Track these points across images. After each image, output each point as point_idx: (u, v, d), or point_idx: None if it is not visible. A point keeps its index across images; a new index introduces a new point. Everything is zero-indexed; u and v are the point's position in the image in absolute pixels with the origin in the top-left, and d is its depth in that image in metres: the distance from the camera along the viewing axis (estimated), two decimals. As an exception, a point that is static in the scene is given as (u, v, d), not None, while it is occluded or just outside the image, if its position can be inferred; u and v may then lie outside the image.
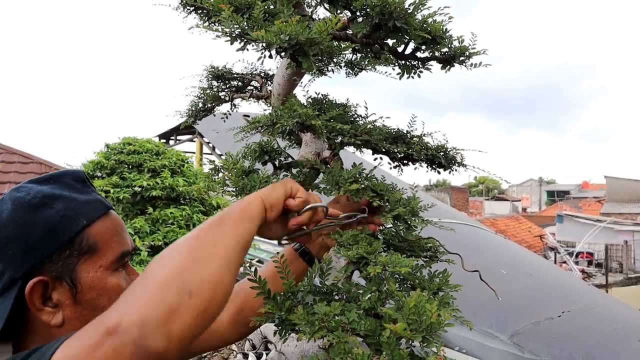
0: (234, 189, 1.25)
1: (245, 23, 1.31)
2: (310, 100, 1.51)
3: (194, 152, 11.66)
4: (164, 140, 12.43)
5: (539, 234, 21.27)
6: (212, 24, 1.49)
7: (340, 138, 1.37)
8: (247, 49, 1.45)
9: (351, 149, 1.61)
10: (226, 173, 1.27)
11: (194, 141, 12.25)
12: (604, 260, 17.68)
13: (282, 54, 1.29)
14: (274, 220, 0.97)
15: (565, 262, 17.24)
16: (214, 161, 1.25)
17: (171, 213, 3.81)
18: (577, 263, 17.91)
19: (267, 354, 2.02)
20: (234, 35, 1.33)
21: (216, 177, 1.34)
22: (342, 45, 1.39)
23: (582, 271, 16.48)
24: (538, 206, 46.24)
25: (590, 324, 3.24)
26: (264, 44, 1.27)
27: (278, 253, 1.19)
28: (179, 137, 13.00)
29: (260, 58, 1.29)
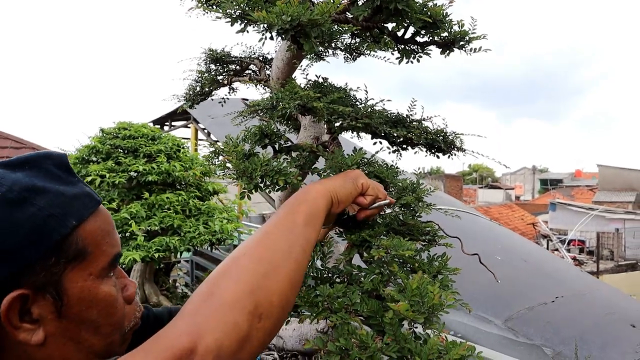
0: (235, 172, 1.24)
1: (245, 4, 1.30)
2: (310, 83, 1.50)
3: (188, 138, 11.61)
4: (159, 126, 12.36)
5: (532, 221, 21.43)
6: (212, 6, 1.47)
7: (340, 121, 1.37)
8: (247, 31, 1.43)
9: (348, 134, 1.60)
10: (227, 156, 1.26)
11: (189, 127, 12.18)
12: (595, 247, 17.85)
13: (283, 35, 1.28)
14: (337, 212, 0.99)
15: (557, 249, 17.40)
16: (215, 143, 1.24)
17: (167, 198, 3.80)
18: (569, 251, 18.09)
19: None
20: (235, 16, 1.32)
21: (216, 160, 1.33)
22: (344, 28, 1.37)
23: (574, 258, 16.65)
24: (531, 194, 46.50)
25: (582, 309, 3.28)
26: (265, 25, 1.26)
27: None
28: (173, 123, 12.93)
29: (261, 39, 1.28)
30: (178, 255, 4.21)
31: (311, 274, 1.14)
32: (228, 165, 1.27)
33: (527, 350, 2.39)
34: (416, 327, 1.00)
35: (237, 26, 1.39)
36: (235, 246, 7.19)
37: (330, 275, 1.19)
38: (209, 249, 4.17)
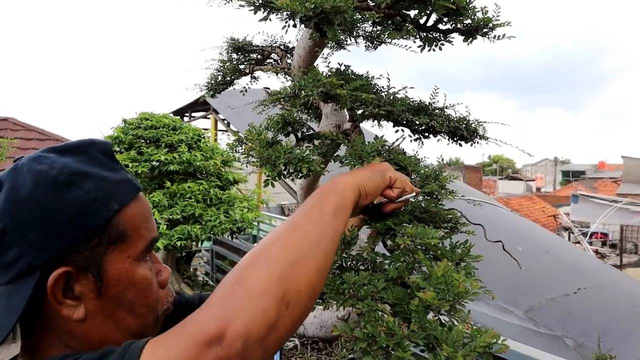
0: (258, 159, 1.25)
1: (268, -9, 1.30)
2: (333, 71, 1.50)
3: (207, 129, 11.68)
4: (178, 117, 12.46)
5: (553, 213, 21.14)
6: (235, -6, 1.47)
7: (363, 109, 1.36)
8: (270, 19, 1.43)
9: (369, 123, 1.60)
10: (250, 144, 1.26)
11: (209, 118, 12.25)
12: (618, 241, 17.57)
13: (306, 23, 1.28)
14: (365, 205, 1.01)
15: (579, 242, 17.16)
16: (238, 132, 1.25)
17: (189, 187, 3.84)
18: (590, 243, 17.83)
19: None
20: (257, 4, 1.32)
21: (240, 148, 1.34)
22: (366, 15, 1.36)
23: (596, 251, 16.42)
24: (552, 186, 45.88)
25: (605, 302, 3.23)
26: (288, 13, 1.26)
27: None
28: (193, 114, 13.01)
29: (284, 27, 1.27)
30: (199, 244, 4.26)
31: (337, 262, 1.14)
32: (252, 152, 1.28)
33: (548, 341, 2.37)
34: (442, 315, 1.00)
35: (260, 14, 1.39)
36: (254, 236, 7.26)
37: (354, 263, 1.19)
38: (230, 237, 4.22)
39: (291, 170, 1.26)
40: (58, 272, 0.69)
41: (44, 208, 0.70)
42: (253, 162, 1.28)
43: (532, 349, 2.10)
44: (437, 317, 0.98)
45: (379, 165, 1.05)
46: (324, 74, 1.48)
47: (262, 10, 1.37)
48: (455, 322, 0.95)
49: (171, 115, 4.92)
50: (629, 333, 2.88)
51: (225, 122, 11.10)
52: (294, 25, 1.33)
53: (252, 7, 1.36)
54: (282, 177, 1.26)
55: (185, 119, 12.95)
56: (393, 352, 0.87)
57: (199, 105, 11.81)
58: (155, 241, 0.82)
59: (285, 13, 1.26)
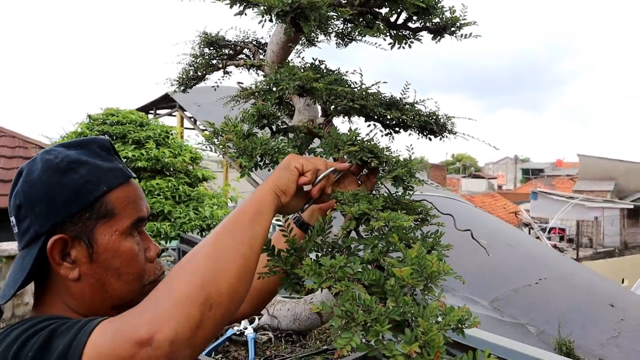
0: (235, 150, 1.27)
1: (245, -13, 1.32)
2: (307, 66, 1.53)
3: (173, 126, 11.52)
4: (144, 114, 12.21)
5: (514, 210, 21.74)
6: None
7: (337, 102, 1.40)
8: (245, 14, 1.46)
9: (339, 120, 1.64)
10: (227, 135, 1.29)
11: (174, 115, 12.10)
12: (575, 235, 18.21)
13: (283, 18, 1.31)
14: (290, 200, 1.07)
15: (538, 237, 17.70)
16: (213, 124, 1.28)
17: (157, 184, 3.80)
18: (549, 239, 18.42)
19: (259, 318, 2.07)
20: (234, -2, 1.35)
21: (216, 140, 1.36)
22: (340, 11, 1.41)
23: (554, 246, 16.96)
24: (513, 184, 47.05)
25: (565, 291, 3.38)
26: (265, 7, 1.29)
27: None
28: (158, 111, 12.82)
29: (260, 22, 1.31)
30: (167, 242, 4.23)
31: (314, 249, 1.18)
32: (228, 144, 1.30)
33: (512, 329, 2.47)
34: (416, 294, 1.04)
35: (236, 9, 1.41)
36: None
37: (330, 249, 1.23)
38: (199, 234, 4.19)
39: (267, 161, 1.29)
40: (55, 237, 0.87)
41: (47, 188, 0.89)
42: (230, 153, 1.30)
43: (499, 337, 2.19)
44: (411, 296, 1.03)
45: (283, 162, 1.10)
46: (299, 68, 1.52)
47: (239, 4, 1.40)
48: (429, 301, 1.00)
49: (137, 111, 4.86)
50: (586, 319, 3.02)
51: (192, 119, 10.99)
52: (270, 20, 1.36)
53: (228, 1, 1.38)
54: (258, 167, 1.29)
55: (150, 116, 12.74)
56: (371, 327, 0.91)
57: (164, 102, 11.65)
58: (141, 220, 0.97)
59: (262, 7, 1.29)
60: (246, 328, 1.92)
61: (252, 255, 0.90)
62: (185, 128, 11.78)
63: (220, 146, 1.32)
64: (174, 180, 4.01)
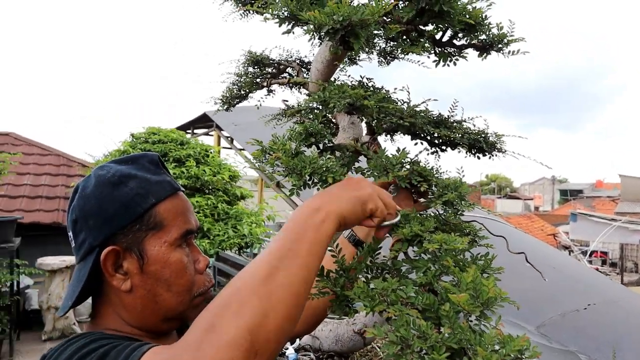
0: (284, 169, 1.26)
1: (294, 5, 1.33)
2: (354, 84, 1.52)
3: (211, 145, 11.69)
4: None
5: (552, 232, 21.13)
6: (259, 7, 1.51)
7: (387, 120, 1.38)
8: (293, 32, 1.46)
9: (382, 138, 1.62)
10: (276, 153, 1.28)
11: (211, 135, 12.30)
12: (618, 259, 17.54)
13: (333, 36, 1.31)
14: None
15: (579, 260, 17.13)
16: (261, 142, 1.28)
17: (197, 202, 3.85)
18: (590, 262, 17.79)
19: (300, 338, 2.04)
20: (283, 17, 1.35)
21: (264, 159, 1.35)
22: (391, 28, 1.39)
23: (596, 270, 16.37)
24: (550, 205, 45.89)
25: (616, 317, 3.22)
26: (315, 26, 1.29)
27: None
28: (195, 131, 13.06)
29: (310, 40, 1.30)
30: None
31: (363, 271, 1.15)
32: (277, 162, 1.29)
33: (562, 357, 2.36)
34: (471, 321, 1.00)
35: (284, 27, 1.42)
36: (255, 254, 7.25)
37: (379, 271, 1.20)
38: (237, 253, 4.20)
39: (316, 180, 1.27)
40: (108, 249, 0.90)
41: (100, 201, 0.92)
42: (279, 171, 1.30)
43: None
44: (468, 323, 0.99)
45: (363, 195, 0.98)
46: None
47: (287, 23, 1.40)
48: (485, 329, 0.95)
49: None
50: (640, 348, 2.87)
51: (229, 138, 11.14)
52: (320, 38, 1.36)
53: (277, 20, 1.39)
54: (307, 187, 1.28)
55: (188, 135, 12.97)
56: (427, 355, 0.87)
57: (201, 122, 11.87)
58: (190, 232, 0.99)
59: (311, 26, 1.29)
60: (287, 348, 1.89)
61: (306, 292, 0.82)
62: (223, 147, 11.96)
63: (269, 165, 1.31)
64: (213, 198, 4.05)
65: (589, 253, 18.33)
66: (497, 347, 0.91)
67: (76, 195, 0.97)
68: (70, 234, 0.97)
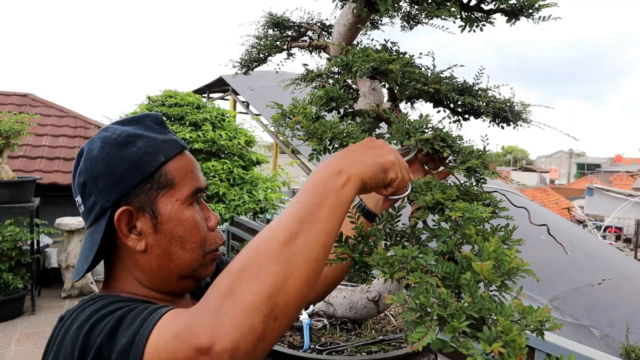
0: (305, 133, 1.24)
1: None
2: (377, 47, 1.49)
3: (228, 110, 11.65)
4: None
5: (567, 206, 20.96)
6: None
7: (411, 86, 1.35)
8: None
9: (402, 105, 1.58)
10: (296, 117, 1.26)
11: (227, 99, 12.25)
12: (633, 235, 17.38)
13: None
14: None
15: (593, 235, 17.01)
16: (282, 105, 1.26)
17: (213, 166, 3.85)
18: (604, 237, 17.66)
19: (313, 305, 2.06)
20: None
21: (284, 122, 1.33)
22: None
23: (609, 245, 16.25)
24: (567, 178, 45.38)
25: (630, 292, 3.20)
26: (340, -14, 1.25)
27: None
28: (211, 95, 13.01)
29: (335, 1, 1.27)
30: (221, 225, 4.28)
31: (382, 238, 1.14)
32: (297, 126, 1.27)
33: (574, 330, 2.36)
34: (492, 291, 0.99)
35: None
36: (268, 219, 7.30)
37: (398, 239, 1.19)
38: (252, 218, 4.23)
39: (336, 145, 1.25)
40: (121, 209, 0.90)
41: (108, 162, 0.91)
42: (298, 135, 1.28)
43: (558, 337, 2.10)
44: (488, 293, 0.98)
45: (384, 160, 0.95)
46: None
47: (311, -17, 1.36)
48: (505, 299, 0.94)
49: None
50: (654, 324, 2.85)
51: (245, 103, 11.10)
52: (345, 0, 1.32)
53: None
54: (327, 152, 1.26)
55: (203, 99, 12.91)
56: (448, 323, 0.87)
57: (217, 85, 11.82)
58: (200, 190, 0.99)
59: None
60: (301, 314, 1.91)
61: (325, 257, 0.80)
62: (238, 112, 11.93)
63: (288, 128, 1.29)
64: (229, 162, 4.04)
65: (603, 228, 18.18)
66: (517, 318, 0.90)
67: (81, 159, 0.95)
68: (78, 198, 0.96)
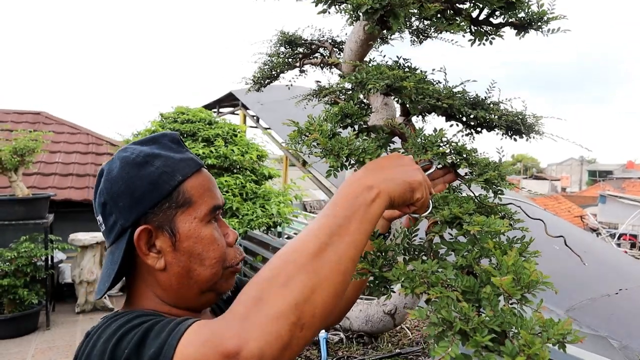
0: (321, 150, 1.26)
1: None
2: (389, 64, 1.51)
3: (239, 125, 11.71)
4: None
5: (580, 214, 20.75)
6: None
7: (424, 102, 1.36)
8: (328, 12, 1.45)
9: (414, 119, 1.60)
10: (314, 135, 1.28)
11: (237, 114, 12.32)
12: (648, 243, 17.16)
13: (371, 15, 1.29)
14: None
15: (607, 243, 16.79)
16: (298, 123, 1.28)
17: (225, 181, 3.88)
18: (619, 245, 17.43)
19: (333, 325, 2.06)
20: (320, -3, 1.34)
21: (300, 140, 1.35)
22: (429, 7, 1.37)
23: (625, 253, 16.02)
24: (578, 186, 45.00)
25: (649, 303, 3.17)
26: (354, 5, 1.27)
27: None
28: (221, 110, 13.09)
29: (349, 19, 1.29)
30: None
31: (400, 252, 1.15)
32: (314, 143, 1.29)
33: (592, 342, 2.34)
34: (512, 304, 1.00)
35: (320, 7, 1.40)
36: (279, 232, 7.31)
37: (417, 253, 1.20)
38: (265, 232, 4.25)
39: (352, 162, 1.27)
40: (140, 228, 0.91)
41: (127, 182, 0.93)
42: (315, 152, 1.30)
43: (576, 348, 2.08)
44: (509, 306, 0.99)
45: (413, 179, 0.96)
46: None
47: (323, 3, 1.39)
48: (525, 312, 0.95)
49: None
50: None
51: (255, 117, 11.16)
52: (357, 18, 1.34)
53: (314, 0, 1.37)
54: (344, 168, 1.28)
55: (213, 115, 12.98)
56: (471, 337, 0.88)
57: (227, 100, 11.91)
58: (217, 208, 1.00)
59: (349, 5, 1.28)
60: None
61: (352, 270, 0.81)
62: (249, 127, 11.98)
63: (306, 146, 1.31)
64: (242, 177, 4.08)
65: (617, 236, 17.95)
66: (538, 331, 0.91)
67: (102, 179, 0.97)
68: (99, 217, 0.98)
